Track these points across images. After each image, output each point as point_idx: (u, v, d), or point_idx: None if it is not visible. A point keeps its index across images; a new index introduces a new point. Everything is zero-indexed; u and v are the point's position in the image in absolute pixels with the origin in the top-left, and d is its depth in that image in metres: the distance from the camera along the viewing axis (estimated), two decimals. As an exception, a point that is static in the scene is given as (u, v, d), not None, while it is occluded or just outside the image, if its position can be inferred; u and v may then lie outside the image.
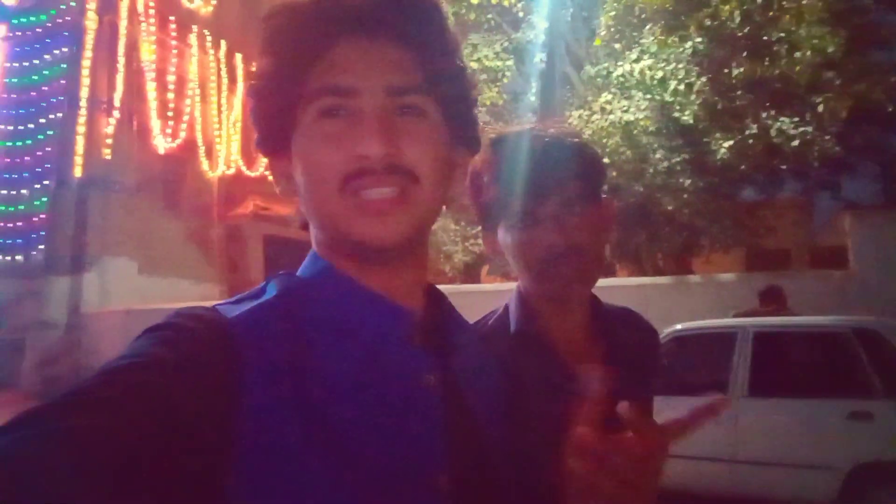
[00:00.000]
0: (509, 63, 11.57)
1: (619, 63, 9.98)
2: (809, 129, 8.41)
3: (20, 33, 12.07)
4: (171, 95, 12.79)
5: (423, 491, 0.65)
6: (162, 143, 12.70)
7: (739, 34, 8.73)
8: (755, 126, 8.63)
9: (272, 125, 0.72)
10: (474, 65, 11.00)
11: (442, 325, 0.76)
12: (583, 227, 1.04)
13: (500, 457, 0.75)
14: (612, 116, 10.24)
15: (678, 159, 9.70)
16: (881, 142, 11.16)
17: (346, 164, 0.67)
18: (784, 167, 9.42)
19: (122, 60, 12.02)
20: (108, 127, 11.88)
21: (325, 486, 0.59)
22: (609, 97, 10.32)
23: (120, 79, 11.99)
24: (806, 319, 5.28)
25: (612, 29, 10.52)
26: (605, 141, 10.48)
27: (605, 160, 10.54)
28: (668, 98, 9.40)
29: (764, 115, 8.64)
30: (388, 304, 0.70)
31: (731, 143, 8.90)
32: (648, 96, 9.72)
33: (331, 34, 0.68)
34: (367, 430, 0.63)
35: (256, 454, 0.58)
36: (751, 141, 8.75)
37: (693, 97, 9.01)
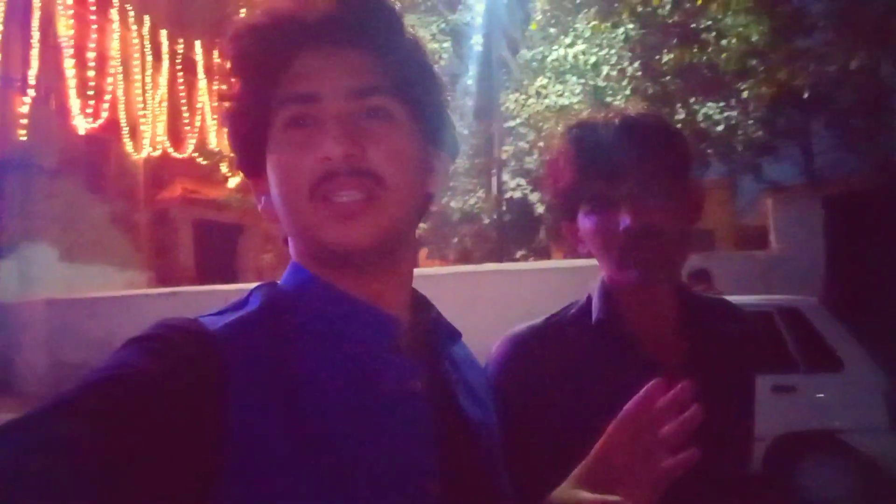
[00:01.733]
0: (446, 45, 11.54)
1: (554, 48, 10.11)
2: (734, 113, 8.76)
3: (-79, 4, 11.21)
4: (91, 73, 12.16)
5: (413, 498, 0.64)
6: (82, 124, 12.08)
7: (670, 21, 8.97)
8: (684, 111, 8.91)
9: (247, 146, 0.72)
10: (410, 46, 10.90)
11: (428, 332, 0.76)
12: (661, 208, 0.98)
13: (492, 462, 0.75)
14: (547, 101, 10.37)
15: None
16: (802, 126, 11.72)
17: (312, 170, 0.67)
18: (710, 151, 9.75)
19: (36, 35, 11.33)
20: (24, 106, 11.21)
21: (315, 495, 0.59)
22: (544, 81, 10.43)
23: (35, 55, 11.31)
24: (733, 300, 5.51)
25: (548, 13, 10.63)
26: (540, 125, 10.62)
27: (542, 144, 10.72)
28: (600, 83, 9.59)
29: (692, 100, 8.93)
30: (373, 312, 0.70)
31: (660, 127, 9.15)
32: (582, 81, 9.88)
33: (291, 47, 0.69)
34: (355, 437, 0.63)
35: (244, 464, 0.58)
36: (679, 125, 9.04)
37: (625, 82, 9.22)
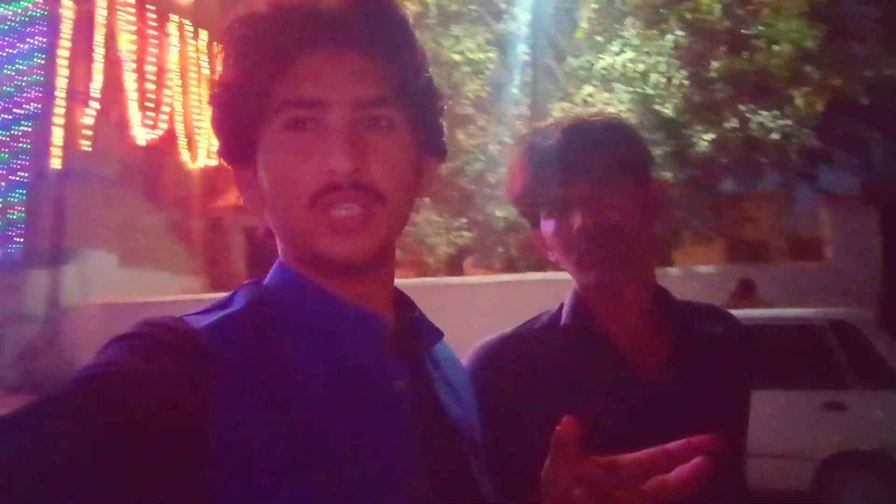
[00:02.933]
0: (492, 55, 11.55)
1: (601, 55, 10.00)
2: (788, 122, 8.49)
3: (-5, 22, 11.86)
4: (150, 86, 12.64)
5: (397, 495, 0.65)
6: (142, 135, 12.55)
7: (719, 28, 8.78)
8: (734, 119, 8.70)
9: (237, 135, 0.71)
10: (457, 57, 10.96)
11: (411, 332, 0.76)
12: (615, 207, 0.98)
13: (474, 458, 0.75)
14: (594, 109, 10.27)
15: (660, 152, 9.74)
16: (858, 134, 11.30)
17: (315, 180, 0.66)
18: (763, 160, 9.49)
19: (99, 50, 11.84)
20: (87, 118, 11.72)
21: (300, 493, 0.59)
22: (591, 90, 10.33)
23: (98, 69, 11.82)
24: (780, 312, 5.35)
25: (595, 21, 10.52)
26: (587, 133, 10.48)
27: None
28: (649, 91, 9.44)
29: (743, 108, 8.71)
30: (357, 312, 0.70)
31: (711, 136, 8.97)
32: (630, 89, 9.75)
33: (298, 45, 0.68)
34: (339, 436, 0.63)
35: (229, 461, 0.58)
36: (730, 134, 8.83)
37: (673, 90, 9.06)
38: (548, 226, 1.03)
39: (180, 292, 12.52)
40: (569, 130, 1.00)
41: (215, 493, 0.57)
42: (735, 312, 4.46)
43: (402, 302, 0.78)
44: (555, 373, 1.00)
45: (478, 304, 7.09)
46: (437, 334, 0.80)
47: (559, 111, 11.03)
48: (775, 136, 8.56)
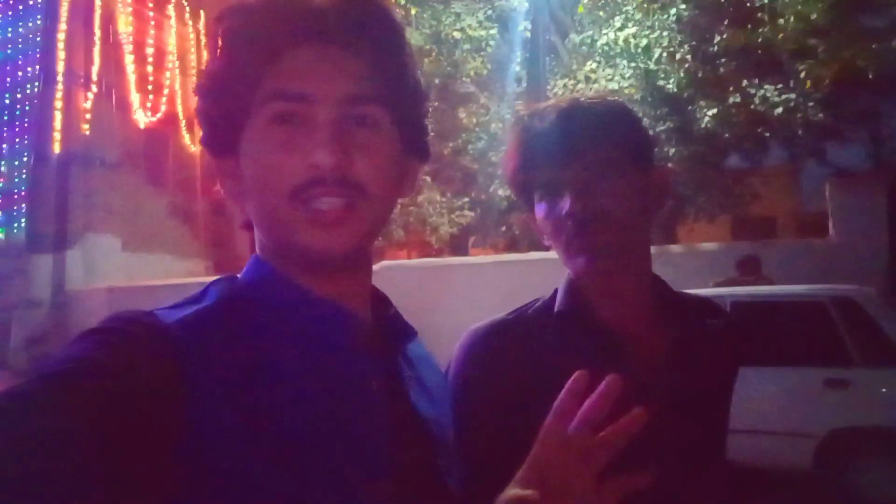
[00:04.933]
0: (493, 32, 11.44)
1: (604, 31, 9.89)
2: (793, 95, 8.37)
3: (-8, 6, 11.80)
4: (150, 68, 12.58)
5: (365, 492, 0.65)
6: (142, 118, 12.52)
7: (723, 1, 8.63)
8: (738, 94, 8.58)
9: (221, 125, 0.71)
10: (457, 34, 10.86)
11: (386, 330, 0.76)
12: (607, 193, 0.96)
13: (443, 458, 0.75)
14: (596, 85, 10.17)
15: (663, 128, 9.65)
16: (867, 107, 11.12)
17: (298, 174, 0.66)
18: (769, 135, 9.37)
19: (98, 33, 11.78)
20: (87, 101, 11.69)
21: (271, 489, 0.59)
22: (594, 65, 10.24)
23: (97, 52, 11.76)
24: (783, 289, 5.31)
25: (597, -4, 10.39)
26: (590, 110, 10.40)
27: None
28: (652, 66, 9.33)
29: (747, 82, 8.59)
30: (333, 308, 0.70)
31: (714, 111, 8.87)
32: (633, 64, 9.64)
33: (287, 39, 0.68)
34: (312, 433, 0.63)
35: (200, 457, 0.58)
36: (734, 109, 8.72)
37: (676, 65, 8.94)
38: (540, 209, 1.01)
39: (184, 276, 12.58)
40: (565, 113, 0.98)
41: (188, 488, 0.57)
42: (739, 289, 4.44)
43: (379, 300, 0.78)
44: (546, 359, 0.98)
45: (481, 284, 7.07)
46: (412, 333, 0.81)
47: (562, 88, 10.94)
48: (780, 110, 8.44)
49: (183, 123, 13.26)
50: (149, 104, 12.60)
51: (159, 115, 12.76)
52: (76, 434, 0.51)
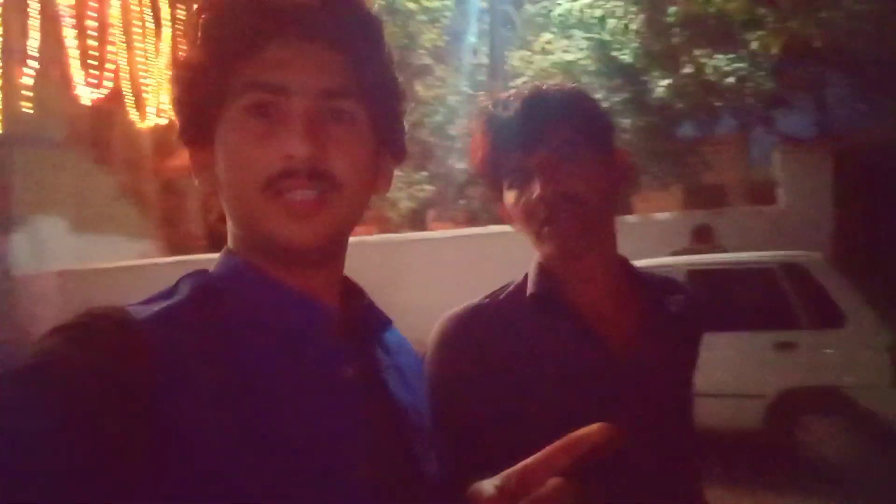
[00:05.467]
0: (448, 3, 11.31)
1: (559, 2, 9.87)
2: (744, 65, 8.52)
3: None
4: (92, 42, 12.08)
5: (344, 482, 0.65)
6: (86, 94, 12.05)
7: (675, -29, 8.69)
8: (691, 64, 8.70)
9: (196, 116, 0.71)
10: (412, 5, 10.70)
11: (360, 319, 0.77)
12: (575, 175, 0.98)
13: (421, 445, 0.76)
14: (552, 57, 10.18)
15: (618, 99, 9.74)
16: (813, 76, 11.40)
17: (271, 164, 0.66)
18: (720, 104, 9.54)
19: (34, 5, 11.24)
20: (26, 78, 11.19)
21: (249, 484, 0.60)
22: (549, 37, 10.23)
23: (34, 25, 11.24)
24: (736, 256, 5.46)
25: (551, -34, 10.35)
26: (547, 83, 10.42)
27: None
28: (606, 37, 9.37)
29: (699, 52, 8.71)
30: (305, 301, 0.71)
31: (668, 81, 8.98)
32: (588, 35, 9.66)
33: (266, 31, 0.68)
34: (287, 425, 0.64)
35: (174, 453, 0.57)
36: (687, 79, 8.84)
37: (631, 36, 9.00)
38: (509, 196, 1.03)
39: (137, 257, 12.30)
40: (529, 100, 1.00)
41: (162, 483, 0.57)
42: (695, 258, 4.55)
43: (352, 291, 0.79)
44: (521, 342, 1.01)
45: (441, 259, 7.08)
46: (386, 322, 0.82)
47: (518, 60, 10.92)
48: (731, 79, 8.59)
49: (130, 99, 12.81)
50: (93, 80, 12.12)
51: (104, 91, 12.29)
52: (46, 431, 0.51)
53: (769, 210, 7.78)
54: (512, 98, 1.02)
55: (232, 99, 0.68)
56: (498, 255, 8.70)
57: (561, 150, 0.98)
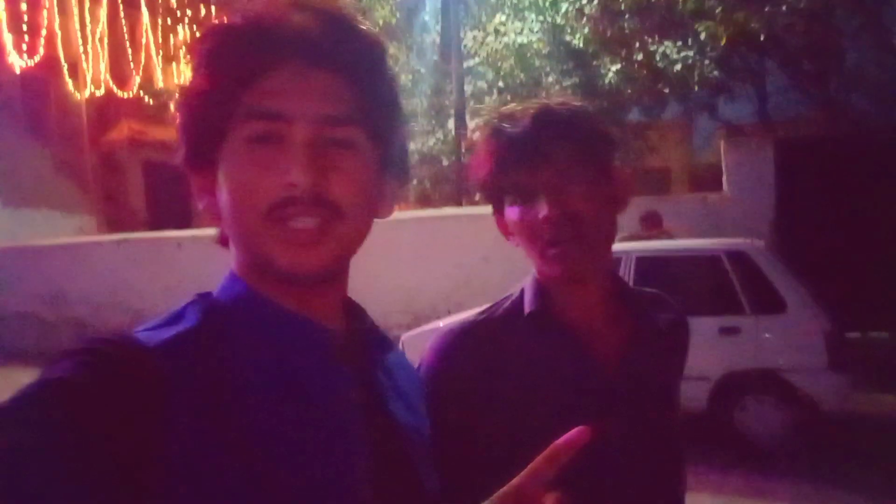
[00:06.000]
0: (402, -21, 11.14)
1: (513, -17, 9.86)
2: (691, 53, 8.74)
3: None
4: (23, 6, 11.43)
5: None
6: (17, 61, 11.43)
7: (629, -41, 8.79)
8: (641, 51, 8.86)
9: (200, 142, 0.71)
10: (365, -20, 10.49)
11: (363, 342, 0.77)
12: (581, 196, 0.98)
13: (423, 467, 0.77)
14: (506, 39, 10.19)
15: (569, 83, 9.85)
16: (756, 66, 11.79)
17: (273, 192, 0.67)
18: (667, 90, 9.77)
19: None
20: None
21: None
22: (503, 18, 10.22)
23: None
24: (684, 243, 5.64)
25: (506, -53, 10.31)
26: (499, 64, 10.45)
27: (501, 84, 10.56)
28: (559, 20, 9.43)
29: (649, 40, 8.87)
30: (307, 325, 0.71)
31: (618, 66, 9.13)
32: (541, 18, 9.70)
33: (267, 59, 0.68)
34: (292, 451, 0.65)
35: (182, 481, 0.58)
36: (637, 65, 9.01)
37: (584, 21, 9.09)
38: (512, 212, 1.03)
39: (75, 233, 11.82)
40: (536, 118, 1.00)
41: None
42: (644, 244, 4.65)
43: (354, 312, 0.80)
44: (518, 361, 1.01)
45: (396, 241, 7.06)
46: (388, 343, 0.82)
47: (471, 40, 10.88)
48: (678, 67, 8.80)
49: (65, 68, 12.21)
50: (24, 46, 11.50)
51: (37, 58, 11.68)
52: (55, 455, 0.51)
53: (714, 197, 8.02)
54: (519, 114, 1.02)
55: (234, 126, 0.68)
56: (450, 237, 8.74)
57: (568, 171, 0.98)
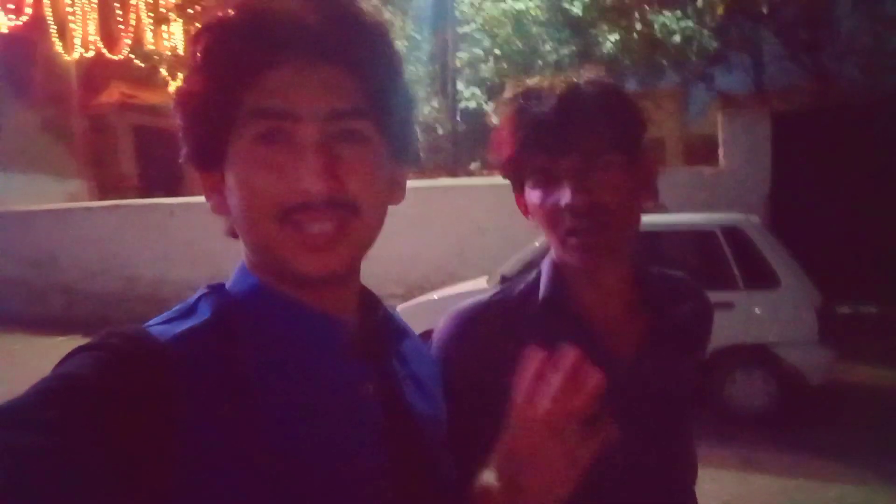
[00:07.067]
0: (396, -58, 10.90)
1: (511, -52, 9.67)
2: (690, 23, 8.64)
3: None
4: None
5: (364, 497, 0.66)
6: (4, 21, 11.17)
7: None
8: (639, 21, 8.75)
9: (204, 143, 0.69)
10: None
11: (378, 332, 0.76)
12: (607, 185, 0.93)
13: (440, 456, 0.77)
14: (503, 5, 10.02)
15: (567, 52, 9.73)
16: (753, 36, 11.67)
17: (286, 197, 0.65)
18: (665, 61, 9.68)
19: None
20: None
21: (271, 500, 0.61)
22: (500, -16, 10.03)
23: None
24: (680, 217, 5.64)
25: None
26: (496, 31, 10.30)
27: (498, 52, 10.42)
28: (558, -13, 9.28)
29: (648, 9, 8.76)
30: (321, 319, 0.70)
31: (616, 36, 9.02)
32: (539, -16, 9.54)
33: (269, 54, 0.65)
34: (308, 443, 0.65)
35: (197, 474, 0.58)
36: (635, 35, 8.90)
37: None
38: (533, 195, 0.98)
39: (65, 199, 11.70)
40: (563, 98, 0.94)
41: (185, 501, 0.57)
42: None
43: (368, 302, 0.78)
44: (527, 345, 1.01)
45: (389, 212, 7.01)
46: (403, 331, 0.81)
47: (467, 6, 10.70)
48: (677, 38, 8.71)
49: (53, 29, 11.94)
50: (11, 5, 11.22)
51: (24, 17, 11.41)
52: (70, 452, 0.51)
53: (709, 170, 7.99)
54: (545, 92, 0.96)
55: (240, 126, 0.66)
56: (446, 209, 8.69)
57: (594, 158, 0.93)
